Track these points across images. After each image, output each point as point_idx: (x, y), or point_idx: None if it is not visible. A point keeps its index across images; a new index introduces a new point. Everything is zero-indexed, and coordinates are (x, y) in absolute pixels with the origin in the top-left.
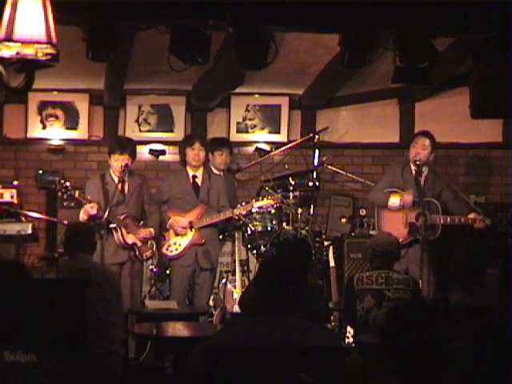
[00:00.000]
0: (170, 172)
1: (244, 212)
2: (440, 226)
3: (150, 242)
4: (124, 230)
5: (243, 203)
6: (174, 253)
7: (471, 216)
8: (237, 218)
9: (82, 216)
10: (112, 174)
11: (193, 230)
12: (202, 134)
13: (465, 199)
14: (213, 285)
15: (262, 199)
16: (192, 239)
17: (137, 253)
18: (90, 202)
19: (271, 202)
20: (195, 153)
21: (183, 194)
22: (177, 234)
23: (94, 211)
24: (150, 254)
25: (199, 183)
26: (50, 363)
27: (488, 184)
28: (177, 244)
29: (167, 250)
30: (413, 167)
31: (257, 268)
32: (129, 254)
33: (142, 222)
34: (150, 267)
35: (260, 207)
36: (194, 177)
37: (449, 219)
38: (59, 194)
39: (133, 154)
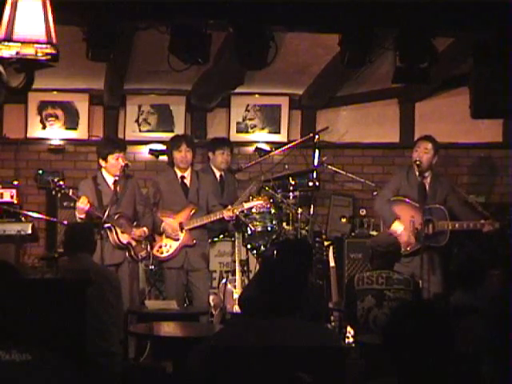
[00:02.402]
0: (158, 173)
1: (235, 213)
2: (448, 232)
3: (144, 242)
4: (118, 230)
5: (234, 204)
6: (165, 254)
7: (480, 221)
8: (228, 218)
9: (78, 216)
10: (105, 174)
11: (183, 231)
12: (187, 134)
13: (471, 203)
14: (209, 284)
15: (252, 199)
16: (182, 240)
17: (132, 253)
18: (79, 197)
19: (261, 201)
20: (182, 155)
21: (172, 195)
22: (168, 236)
23: (86, 206)
24: (144, 254)
25: (188, 184)
26: (46, 363)
27: (488, 184)
28: (167, 246)
29: (158, 251)
30: (416, 172)
31: (257, 268)
32: (124, 255)
33: (135, 223)
34: (151, 267)
35: (251, 208)
36: (182, 177)
37: (457, 225)
38: (53, 192)
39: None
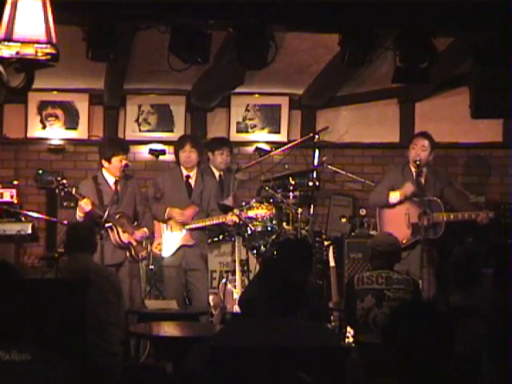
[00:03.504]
0: (166, 169)
1: (236, 219)
2: (444, 224)
3: (144, 242)
4: (120, 229)
5: (238, 209)
6: (164, 252)
7: (475, 211)
8: (231, 223)
9: (78, 214)
10: (106, 175)
11: (183, 230)
12: (193, 134)
13: (466, 196)
14: (209, 284)
15: (258, 208)
16: (182, 240)
17: (132, 252)
18: (84, 197)
19: (265, 211)
20: (186, 155)
21: (176, 193)
22: (175, 221)
23: (88, 207)
24: (145, 254)
25: (192, 184)
26: (46, 362)
27: (488, 184)
28: (167, 243)
29: (156, 248)
30: (412, 168)
31: (257, 268)
32: (125, 255)
33: (135, 223)
34: (151, 267)
35: (252, 217)
36: (188, 177)
37: (452, 216)
38: (56, 191)
39: None
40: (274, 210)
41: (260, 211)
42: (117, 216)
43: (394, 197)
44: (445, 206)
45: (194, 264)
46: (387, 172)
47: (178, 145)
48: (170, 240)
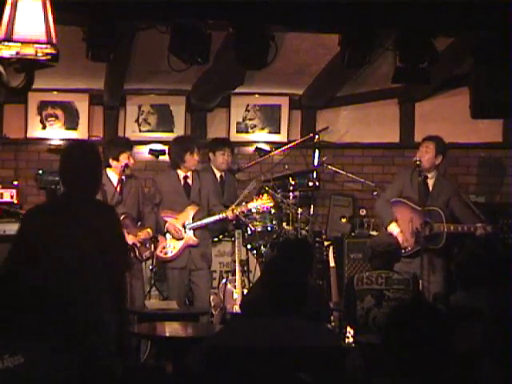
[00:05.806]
0: (158, 174)
1: (238, 213)
2: (444, 235)
3: (148, 242)
4: (124, 231)
5: (237, 204)
6: (169, 255)
7: (473, 225)
8: (231, 218)
9: None
10: (111, 174)
11: (186, 230)
12: (196, 137)
13: (472, 208)
14: (210, 284)
15: (257, 200)
16: (186, 241)
17: (136, 253)
18: None
19: (264, 202)
20: (195, 158)
21: (174, 195)
22: (172, 236)
23: None
24: (148, 254)
25: (190, 183)
26: (40, 362)
27: (488, 184)
28: (171, 246)
29: (161, 252)
30: (416, 171)
31: (257, 268)
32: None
33: (139, 223)
34: (150, 267)
35: (254, 207)
36: (186, 177)
37: (452, 227)
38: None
39: None
40: (273, 203)
41: (259, 202)
42: (121, 217)
43: (392, 229)
44: (451, 216)
45: (198, 263)
46: (396, 176)
47: (185, 148)
48: (174, 242)
